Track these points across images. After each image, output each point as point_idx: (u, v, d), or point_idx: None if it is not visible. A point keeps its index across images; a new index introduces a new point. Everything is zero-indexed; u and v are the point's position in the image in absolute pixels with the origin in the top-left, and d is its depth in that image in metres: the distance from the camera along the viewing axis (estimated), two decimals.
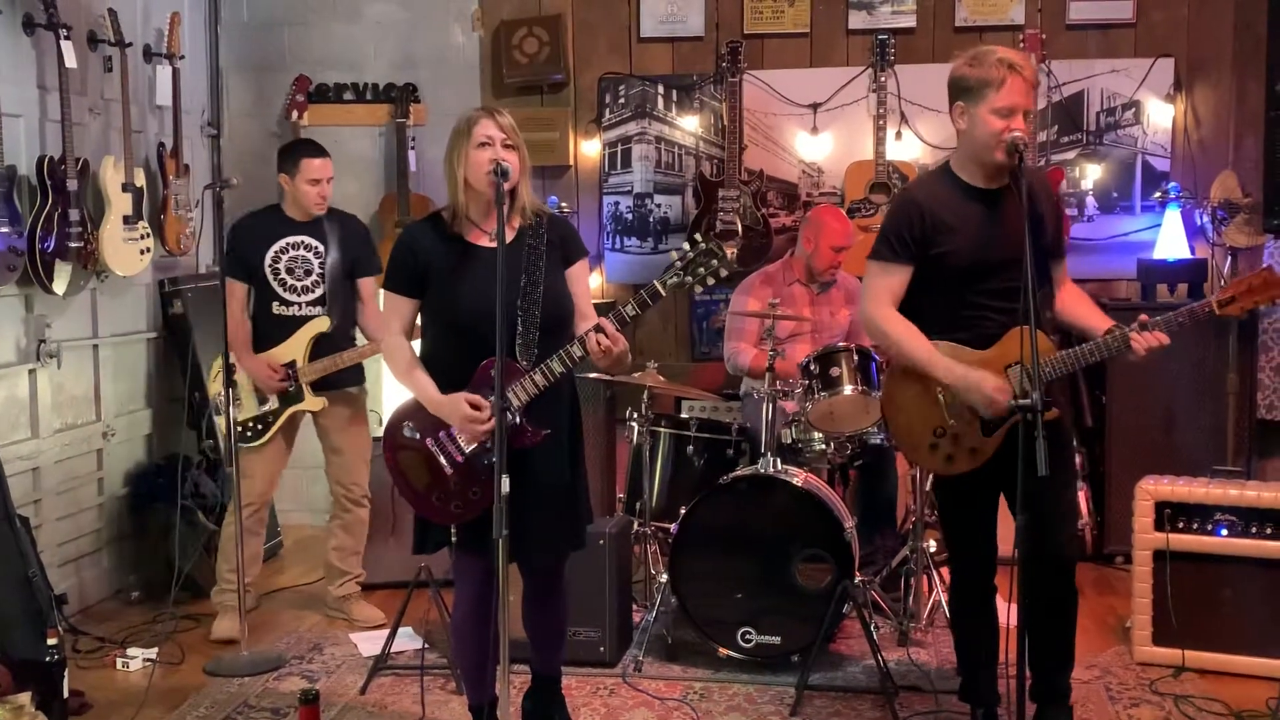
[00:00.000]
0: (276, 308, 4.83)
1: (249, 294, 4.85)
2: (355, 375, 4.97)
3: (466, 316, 3.34)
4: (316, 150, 4.89)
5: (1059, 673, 3.64)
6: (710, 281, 3.26)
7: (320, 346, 4.84)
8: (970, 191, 3.50)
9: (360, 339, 5.09)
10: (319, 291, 4.86)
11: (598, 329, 3.23)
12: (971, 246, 3.45)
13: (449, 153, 3.42)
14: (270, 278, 4.81)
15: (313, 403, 4.86)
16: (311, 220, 4.87)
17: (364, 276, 4.97)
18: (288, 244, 4.85)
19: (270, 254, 4.82)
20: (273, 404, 4.81)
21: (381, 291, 3.69)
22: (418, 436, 3.45)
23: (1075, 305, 3.67)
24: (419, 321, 3.55)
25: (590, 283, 3.72)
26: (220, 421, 4.90)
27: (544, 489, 3.41)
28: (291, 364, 4.81)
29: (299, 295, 4.84)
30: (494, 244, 3.28)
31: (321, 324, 4.84)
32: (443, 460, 3.42)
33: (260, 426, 4.85)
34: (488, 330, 3.12)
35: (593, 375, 5.05)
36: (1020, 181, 3.28)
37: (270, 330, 4.82)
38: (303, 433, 5.06)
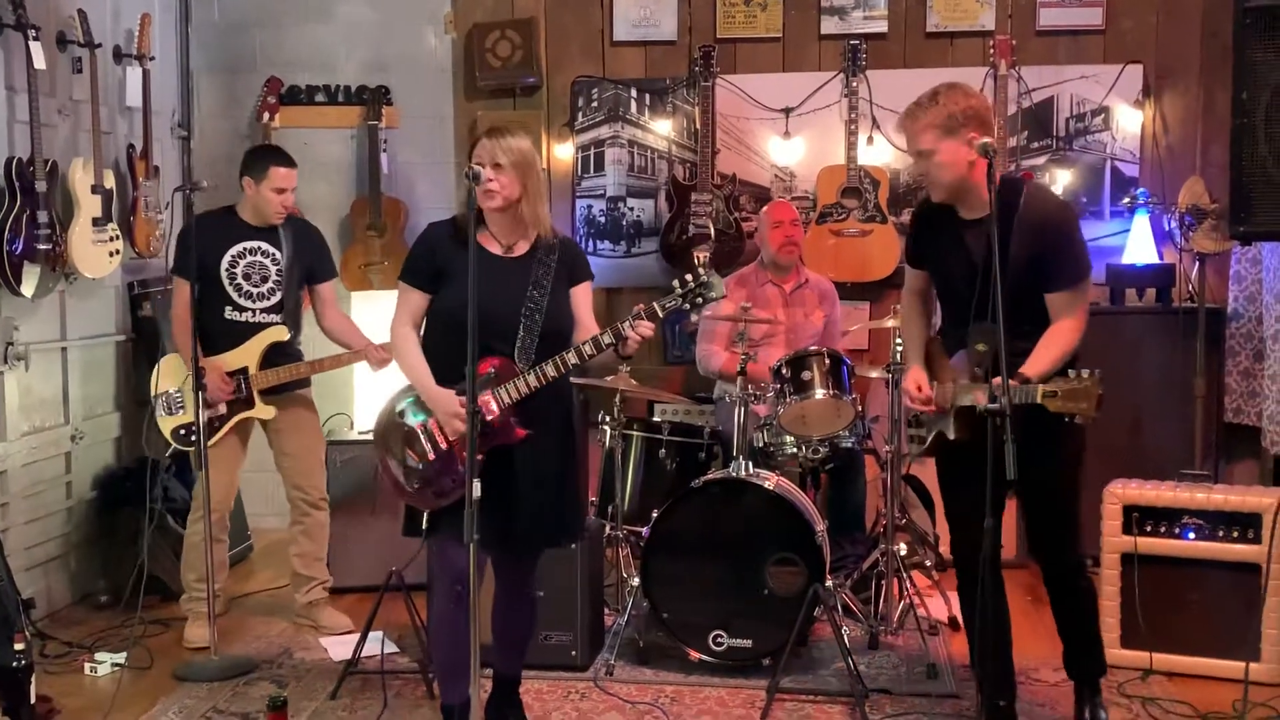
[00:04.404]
0: (229, 313, 4.76)
1: (195, 295, 4.70)
2: (303, 378, 4.93)
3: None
4: (285, 159, 4.83)
5: None
6: (702, 307, 3.46)
7: (274, 354, 4.80)
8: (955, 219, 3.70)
9: (313, 348, 5.04)
10: (274, 299, 4.81)
11: (637, 316, 3.37)
12: (939, 270, 3.77)
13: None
14: (225, 282, 4.74)
15: (262, 410, 4.80)
16: (268, 226, 4.83)
17: (323, 281, 4.95)
18: (245, 249, 4.79)
19: (227, 258, 4.75)
20: (220, 409, 4.73)
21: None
22: (409, 418, 3.56)
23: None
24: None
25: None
26: (165, 423, 4.82)
27: (529, 484, 3.52)
28: (243, 370, 4.76)
29: (254, 301, 4.79)
30: (506, 254, 3.56)
31: (280, 333, 4.79)
32: (428, 446, 3.52)
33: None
34: (487, 332, 3.27)
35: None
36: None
37: (221, 335, 4.72)
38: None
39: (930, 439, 3.76)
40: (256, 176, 4.75)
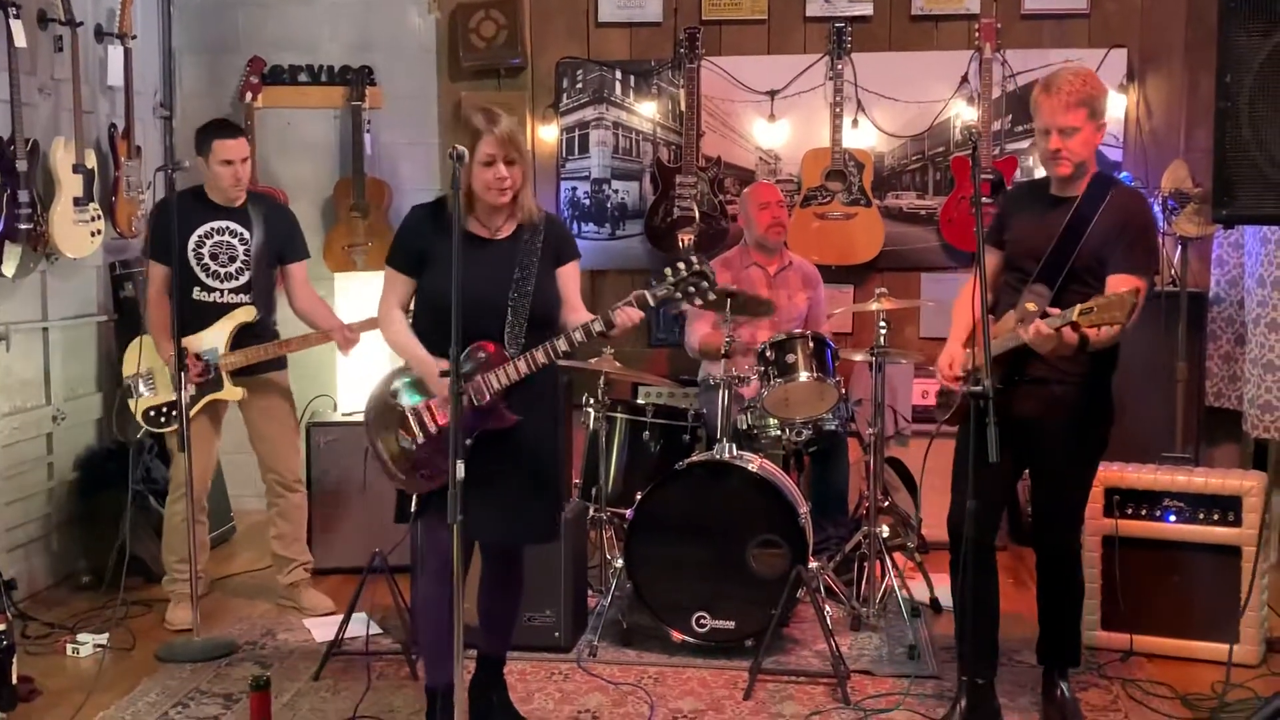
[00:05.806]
0: (198, 293, 4.72)
1: (168, 277, 4.66)
2: (277, 360, 4.90)
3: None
4: (230, 130, 4.78)
5: None
6: (695, 299, 3.35)
7: (244, 336, 4.77)
8: (1047, 196, 3.77)
9: (286, 328, 5.02)
10: (243, 279, 4.77)
11: (628, 303, 3.34)
12: (1017, 239, 3.76)
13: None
14: (193, 262, 4.71)
15: (231, 392, 4.77)
16: (237, 205, 4.79)
17: (293, 262, 4.92)
18: (212, 229, 4.75)
19: (194, 238, 4.72)
20: (189, 390, 4.65)
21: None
22: (403, 399, 3.53)
23: None
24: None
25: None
26: (137, 405, 4.79)
27: (517, 471, 3.49)
28: (212, 352, 4.74)
29: (222, 282, 4.75)
30: (492, 237, 3.50)
31: (247, 313, 4.75)
32: (416, 428, 3.49)
33: (174, 413, 4.70)
34: (473, 316, 3.22)
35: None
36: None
37: (190, 316, 4.66)
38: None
39: (957, 403, 3.77)
40: (204, 153, 4.70)
